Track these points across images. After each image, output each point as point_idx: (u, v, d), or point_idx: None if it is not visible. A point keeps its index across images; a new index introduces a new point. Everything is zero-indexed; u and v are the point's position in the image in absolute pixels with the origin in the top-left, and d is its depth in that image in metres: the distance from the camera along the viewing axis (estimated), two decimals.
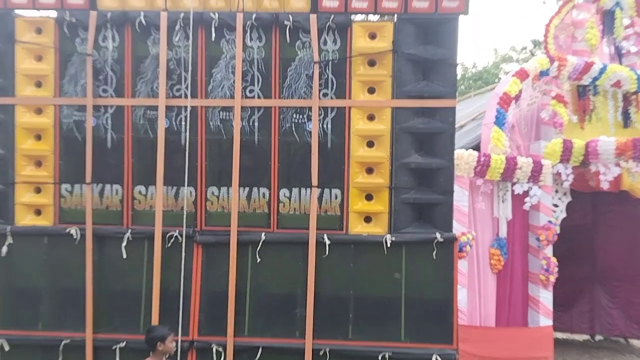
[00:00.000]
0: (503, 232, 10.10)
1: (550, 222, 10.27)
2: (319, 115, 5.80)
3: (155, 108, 5.87)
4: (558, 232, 10.36)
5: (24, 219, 5.99)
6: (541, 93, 10.66)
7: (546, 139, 10.51)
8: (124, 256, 5.85)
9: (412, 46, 5.73)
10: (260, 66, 5.86)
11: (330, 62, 5.81)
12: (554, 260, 10.34)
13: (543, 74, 10.31)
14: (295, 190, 5.85)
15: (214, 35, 5.86)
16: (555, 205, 10.65)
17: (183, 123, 5.87)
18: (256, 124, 5.87)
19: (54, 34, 5.94)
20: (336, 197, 5.84)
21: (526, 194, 10.02)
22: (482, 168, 9.54)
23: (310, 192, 5.79)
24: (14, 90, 5.96)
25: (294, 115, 5.84)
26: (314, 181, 5.76)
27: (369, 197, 5.83)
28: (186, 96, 5.86)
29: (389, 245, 5.68)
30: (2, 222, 5.98)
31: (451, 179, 5.84)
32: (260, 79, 5.86)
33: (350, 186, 5.81)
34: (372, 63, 5.80)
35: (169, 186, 5.88)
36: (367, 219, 5.84)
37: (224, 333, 5.70)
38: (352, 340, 5.72)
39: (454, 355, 5.66)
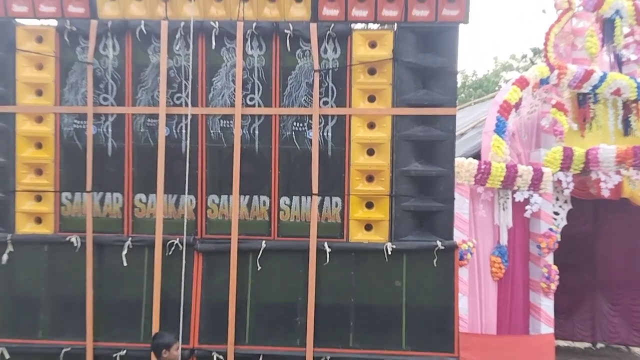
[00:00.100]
0: (504, 240, 10.08)
1: (551, 229, 10.25)
2: (320, 123, 5.81)
3: (156, 116, 5.89)
4: (559, 239, 10.33)
5: (25, 227, 6.00)
6: (541, 101, 10.66)
7: (546, 146, 10.50)
8: (125, 264, 5.85)
9: (412, 54, 5.75)
10: (260, 74, 5.87)
11: (330, 71, 5.83)
12: (555, 268, 10.31)
13: (543, 82, 10.31)
14: (295, 198, 5.86)
15: (214, 43, 5.88)
16: (556, 213, 10.63)
17: (183, 131, 5.89)
18: (257, 132, 5.88)
19: (54, 42, 5.96)
20: (337, 205, 5.84)
21: (527, 201, 10.01)
22: (482, 176, 9.53)
23: (311, 200, 5.79)
24: (15, 99, 5.97)
25: (295, 124, 5.85)
26: (315, 189, 5.77)
27: (369, 205, 5.83)
28: (187, 104, 5.87)
29: (389, 253, 5.69)
30: (2, 230, 5.99)
31: (452, 186, 5.85)
32: (261, 87, 5.88)
33: (351, 194, 5.81)
34: (372, 71, 5.81)
35: (169, 194, 5.89)
36: (368, 227, 5.84)
37: (225, 341, 5.70)
38: (353, 348, 5.71)
39: None
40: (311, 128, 5.80)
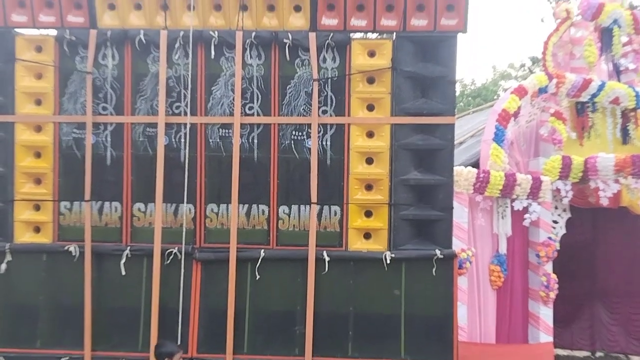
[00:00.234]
0: (503, 249, 10.08)
1: (550, 238, 10.25)
2: (318, 132, 5.82)
3: (155, 125, 5.89)
4: (558, 248, 10.33)
5: (23, 236, 5.99)
6: (540, 110, 10.68)
7: (545, 155, 10.51)
8: (123, 273, 5.84)
9: (411, 64, 5.76)
10: (259, 84, 5.89)
11: (329, 80, 5.84)
12: (554, 276, 10.30)
13: (542, 91, 10.33)
14: (294, 207, 5.86)
15: (213, 53, 5.89)
16: (555, 222, 10.62)
17: (182, 140, 5.89)
18: (255, 141, 5.89)
19: (53, 52, 5.97)
20: (335, 214, 5.84)
21: (526, 210, 10.01)
22: (481, 184, 9.54)
23: (310, 209, 5.79)
24: (14, 108, 5.98)
25: (293, 133, 5.86)
26: (313, 198, 5.77)
27: (368, 214, 5.83)
28: (186, 114, 5.87)
29: (388, 261, 5.69)
30: (1, 239, 5.98)
31: (450, 195, 5.86)
32: (260, 96, 5.89)
33: (350, 203, 5.81)
34: (371, 80, 5.83)
35: (168, 203, 5.89)
36: (367, 236, 5.84)
37: (223, 350, 5.69)
38: (351, 357, 5.71)
39: None
40: (310, 137, 5.81)
